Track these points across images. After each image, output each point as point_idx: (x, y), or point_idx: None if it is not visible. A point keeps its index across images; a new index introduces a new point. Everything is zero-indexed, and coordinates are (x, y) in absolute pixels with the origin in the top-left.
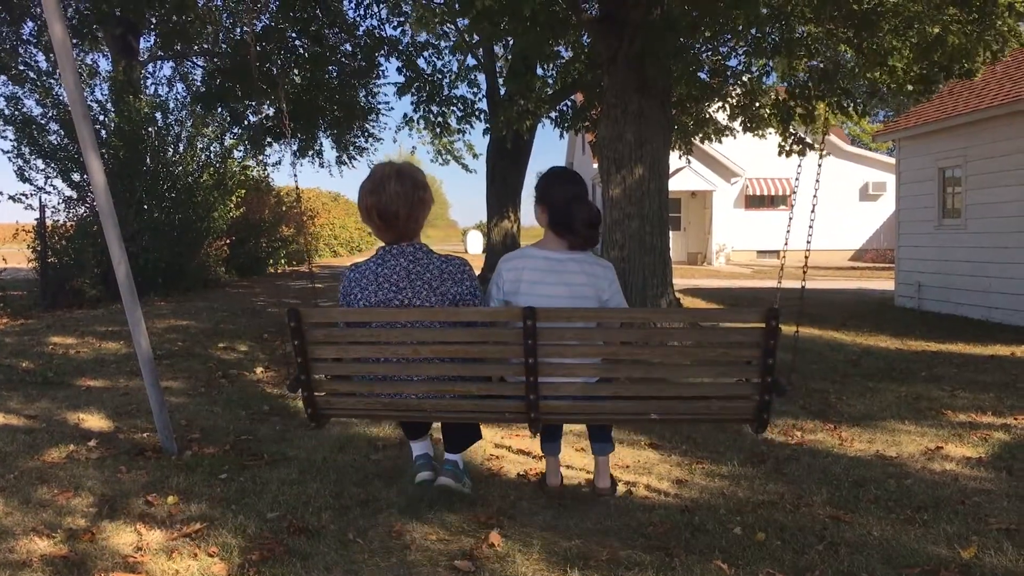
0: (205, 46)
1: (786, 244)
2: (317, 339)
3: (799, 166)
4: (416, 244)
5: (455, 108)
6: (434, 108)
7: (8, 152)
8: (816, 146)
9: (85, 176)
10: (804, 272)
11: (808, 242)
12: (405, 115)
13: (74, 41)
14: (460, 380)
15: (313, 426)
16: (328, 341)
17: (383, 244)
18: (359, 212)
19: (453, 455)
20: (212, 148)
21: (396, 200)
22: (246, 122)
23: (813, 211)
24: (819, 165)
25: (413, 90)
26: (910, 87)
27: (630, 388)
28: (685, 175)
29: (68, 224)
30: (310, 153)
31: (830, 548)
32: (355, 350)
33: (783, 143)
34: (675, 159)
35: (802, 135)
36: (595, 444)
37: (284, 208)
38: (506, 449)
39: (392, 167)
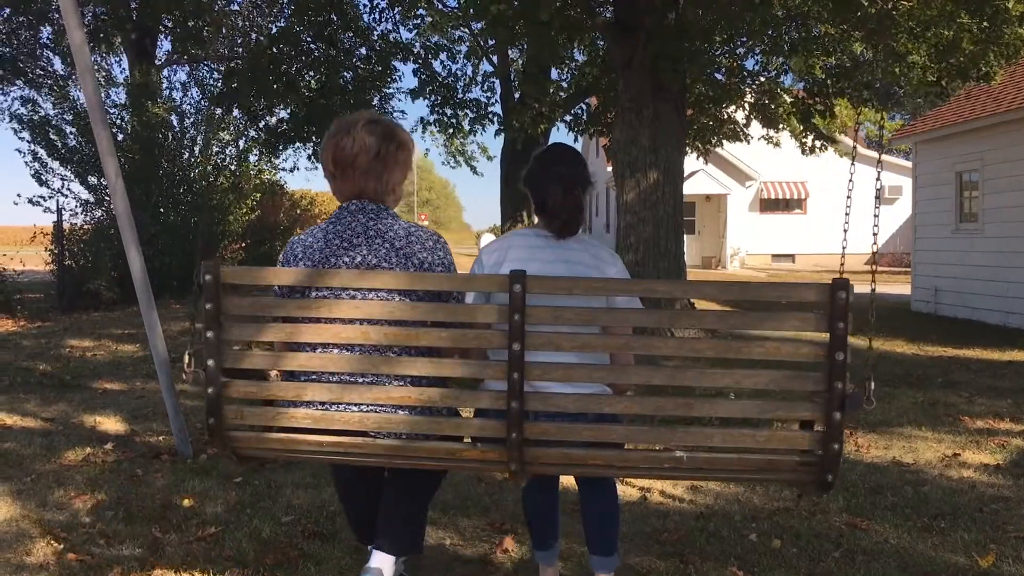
0: (221, 51)
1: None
2: (235, 311)
3: (851, 168)
4: (380, 204)
5: (468, 111)
6: (447, 111)
7: (25, 155)
8: (834, 141)
9: (102, 179)
10: (873, 275)
11: (874, 244)
12: (421, 119)
13: (91, 45)
14: (421, 383)
15: (221, 455)
16: (250, 315)
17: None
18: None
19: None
20: (228, 151)
21: (358, 144)
22: (263, 123)
23: (877, 211)
24: (879, 162)
25: (427, 93)
26: (927, 88)
27: (644, 404)
28: (699, 178)
29: (85, 227)
30: None
31: (846, 555)
32: (278, 331)
33: (804, 140)
34: (690, 161)
35: (823, 131)
36: (596, 554)
37: (298, 211)
38: None
39: (368, 113)
